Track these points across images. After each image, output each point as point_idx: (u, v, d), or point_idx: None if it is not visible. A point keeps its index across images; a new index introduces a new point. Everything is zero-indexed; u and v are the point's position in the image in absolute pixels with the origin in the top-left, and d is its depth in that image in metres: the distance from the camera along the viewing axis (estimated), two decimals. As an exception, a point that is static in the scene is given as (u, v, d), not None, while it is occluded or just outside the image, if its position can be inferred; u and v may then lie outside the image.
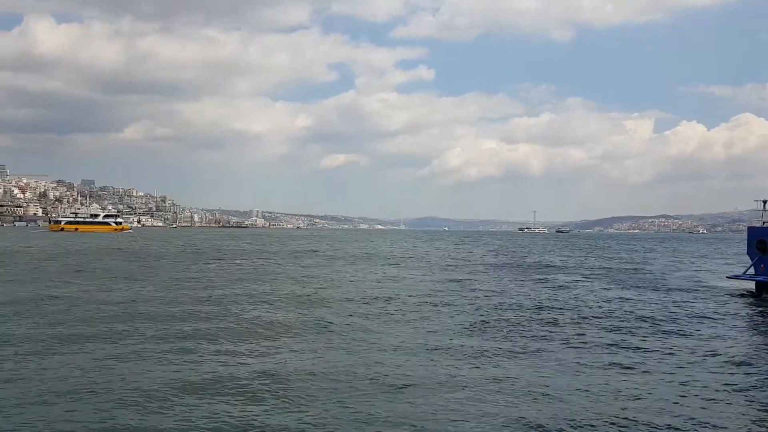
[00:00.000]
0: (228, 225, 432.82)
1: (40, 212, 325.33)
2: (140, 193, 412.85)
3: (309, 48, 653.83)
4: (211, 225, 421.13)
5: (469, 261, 54.90)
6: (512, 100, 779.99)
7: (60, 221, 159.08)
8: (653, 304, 24.84)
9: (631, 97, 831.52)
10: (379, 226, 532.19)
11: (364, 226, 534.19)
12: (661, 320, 20.56)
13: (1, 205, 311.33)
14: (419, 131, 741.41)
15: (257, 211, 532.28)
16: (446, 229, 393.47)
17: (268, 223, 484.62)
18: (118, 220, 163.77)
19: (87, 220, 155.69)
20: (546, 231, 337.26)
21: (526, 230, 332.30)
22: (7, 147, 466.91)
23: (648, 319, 20.64)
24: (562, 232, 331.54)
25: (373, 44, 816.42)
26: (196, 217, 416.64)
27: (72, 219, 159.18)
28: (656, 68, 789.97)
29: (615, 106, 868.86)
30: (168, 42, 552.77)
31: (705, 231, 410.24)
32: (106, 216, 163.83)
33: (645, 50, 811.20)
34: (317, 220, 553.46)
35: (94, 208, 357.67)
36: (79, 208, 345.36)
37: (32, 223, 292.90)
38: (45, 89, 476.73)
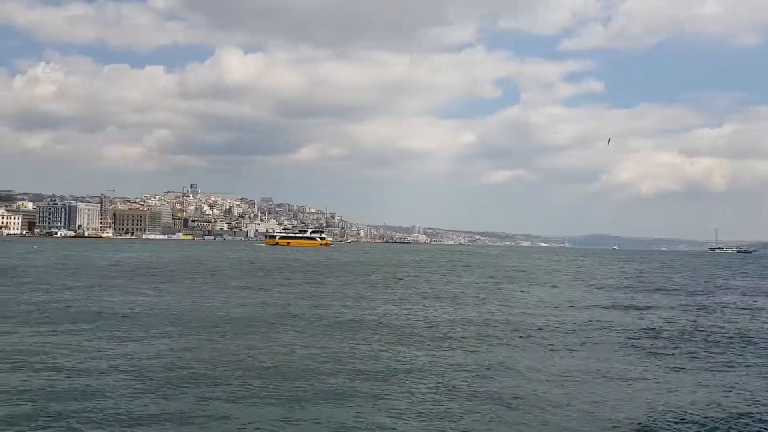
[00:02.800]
0: (391, 240, 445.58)
1: (225, 227, 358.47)
2: (312, 210, 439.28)
3: (475, 65, 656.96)
4: (376, 240, 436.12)
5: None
6: (691, 111, 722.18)
7: (275, 236, 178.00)
8: None
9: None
10: (542, 244, 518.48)
11: (526, 244, 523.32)
12: None
13: (194, 221, 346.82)
14: (587, 145, 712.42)
15: (419, 227, 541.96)
16: (616, 247, 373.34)
17: (429, 239, 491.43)
18: (322, 235, 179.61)
19: (297, 235, 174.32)
20: (735, 250, 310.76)
21: (717, 250, 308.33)
22: (201, 168, 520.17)
23: None
24: (744, 252, 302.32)
25: (539, 58, 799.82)
26: (362, 233, 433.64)
27: (284, 234, 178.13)
28: None
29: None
30: (342, 66, 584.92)
31: None
32: (312, 232, 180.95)
33: None
34: (478, 237, 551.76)
35: (273, 223, 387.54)
36: (258, 224, 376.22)
37: (219, 237, 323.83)
38: (234, 115, 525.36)
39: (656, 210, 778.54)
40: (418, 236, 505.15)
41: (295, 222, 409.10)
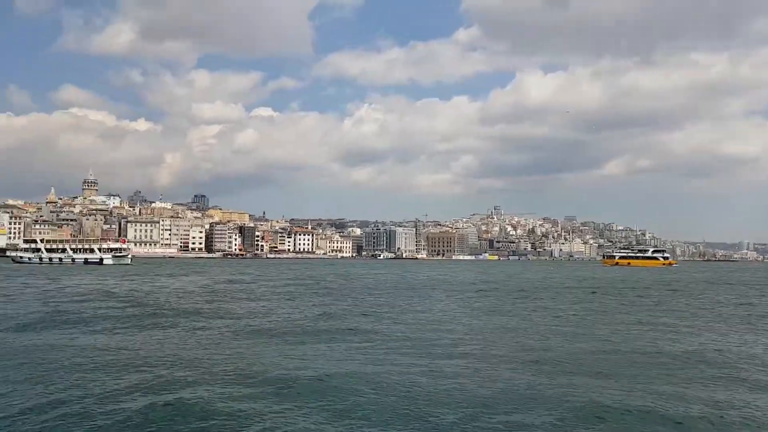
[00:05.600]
0: (713, 259, 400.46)
1: (529, 247, 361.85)
2: (619, 227, 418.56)
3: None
4: (695, 258, 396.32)
5: None
6: None
7: (614, 256, 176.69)
8: None
9: None
10: None
11: None
12: None
13: (498, 241, 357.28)
14: None
15: (748, 243, 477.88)
16: None
17: (762, 257, 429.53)
18: (665, 255, 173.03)
19: (637, 255, 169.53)
20: None
21: None
22: (502, 189, 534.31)
23: None
24: None
25: None
26: (677, 251, 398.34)
27: (624, 254, 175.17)
28: None
29: None
30: (648, 74, 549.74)
31: None
32: (654, 251, 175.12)
33: None
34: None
35: (577, 242, 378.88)
36: (563, 243, 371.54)
37: (523, 257, 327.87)
38: (534, 135, 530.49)
39: None
40: (747, 253, 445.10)
41: (601, 241, 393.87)
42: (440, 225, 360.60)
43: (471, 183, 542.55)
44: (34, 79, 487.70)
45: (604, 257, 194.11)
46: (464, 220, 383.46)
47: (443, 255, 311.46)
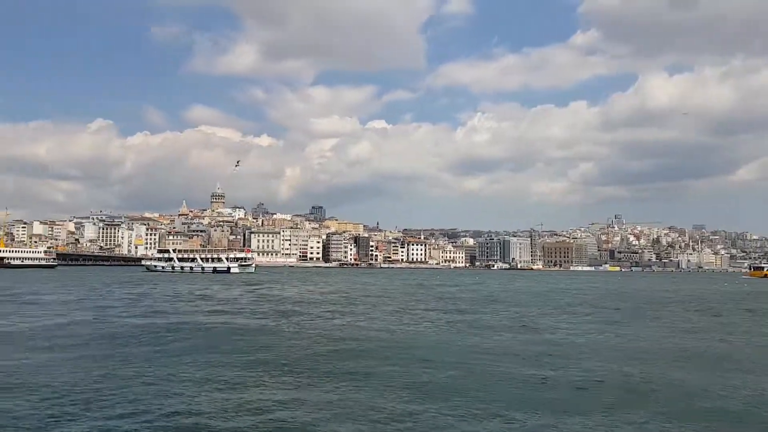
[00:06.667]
0: None
1: (653, 257, 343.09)
2: (754, 237, 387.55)
3: None
4: None
5: None
6: None
7: (762, 267, 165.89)
8: None
9: None
10: None
11: None
12: None
13: (620, 252, 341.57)
14: None
15: None
16: None
17: None
18: None
19: None
20: None
21: None
22: (623, 197, 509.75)
23: None
24: None
25: None
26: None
27: None
28: None
29: None
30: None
31: None
32: None
33: None
34: None
35: (707, 252, 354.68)
36: (690, 253, 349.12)
37: (647, 268, 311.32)
38: (658, 140, 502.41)
39: None
40: None
41: (733, 251, 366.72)
42: (557, 234, 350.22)
43: (590, 191, 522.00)
44: (167, 100, 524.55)
45: (751, 269, 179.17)
46: (582, 229, 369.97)
47: (560, 266, 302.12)
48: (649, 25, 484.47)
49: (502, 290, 67.64)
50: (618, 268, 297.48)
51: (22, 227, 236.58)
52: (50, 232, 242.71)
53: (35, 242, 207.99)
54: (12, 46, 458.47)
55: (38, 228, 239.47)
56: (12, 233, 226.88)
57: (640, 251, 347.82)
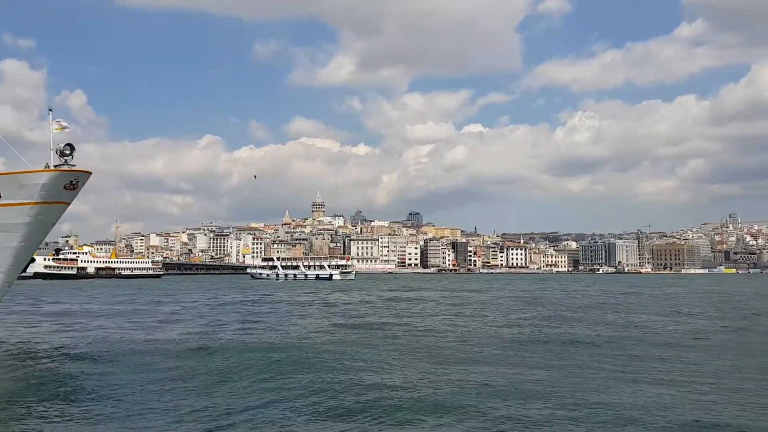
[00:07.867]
0: None
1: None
2: None
3: None
4: None
5: None
6: None
7: None
8: None
9: None
10: None
11: None
12: None
13: (736, 253, 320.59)
14: None
15: None
16: None
17: None
18: None
19: None
20: None
21: None
22: (737, 195, 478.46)
23: None
24: None
25: None
26: None
27: None
28: None
29: None
30: None
31: None
32: None
33: None
34: None
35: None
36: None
37: (766, 270, 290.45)
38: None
39: None
40: None
41: None
42: (665, 236, 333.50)
43: (701, 189, 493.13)
44: (270, 114, 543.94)
45: None
46: (694, 230, 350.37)
47: (670, 269, 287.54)
48: (761, 11, 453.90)
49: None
50: (734, 270, 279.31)
51: (140, 239, 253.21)
52: (165, 243, 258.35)
53: (152, 253, 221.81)
54: (127, 66, 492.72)
55: (155, 240, 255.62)
56: (131, 245, 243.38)
57: (758, 251, 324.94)
